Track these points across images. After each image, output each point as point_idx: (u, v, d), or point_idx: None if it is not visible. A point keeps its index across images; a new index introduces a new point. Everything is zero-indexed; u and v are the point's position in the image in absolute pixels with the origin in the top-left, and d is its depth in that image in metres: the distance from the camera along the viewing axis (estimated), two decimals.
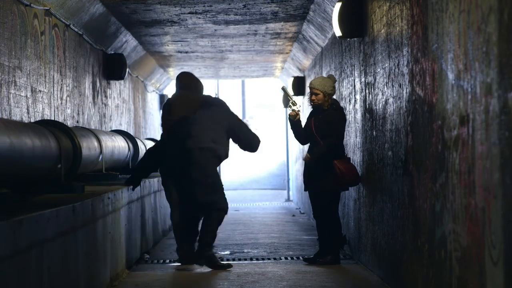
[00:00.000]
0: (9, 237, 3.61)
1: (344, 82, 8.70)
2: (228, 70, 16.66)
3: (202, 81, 7.84)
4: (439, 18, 4.45)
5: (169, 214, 7.80)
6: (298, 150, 15.07)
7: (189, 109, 7.35)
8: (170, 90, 19.07)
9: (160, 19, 10.40)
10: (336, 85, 9.24)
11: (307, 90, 12.80)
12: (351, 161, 7.76)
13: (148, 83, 15.71)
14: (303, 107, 14.11)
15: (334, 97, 7.76)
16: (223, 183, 7.51)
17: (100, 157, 6.94)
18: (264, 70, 16.75)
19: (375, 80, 6.75)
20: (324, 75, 10.57)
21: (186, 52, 13.70)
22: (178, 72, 16.37)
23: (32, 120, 6.96)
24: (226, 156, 7.40)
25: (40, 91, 7.38)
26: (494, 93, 3.46)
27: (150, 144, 11.02)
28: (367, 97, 7.16)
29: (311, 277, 6.87)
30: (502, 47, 3.34)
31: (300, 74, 14.33)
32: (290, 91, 13.03)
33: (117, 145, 8.03)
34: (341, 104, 8.79)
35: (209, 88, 19.32)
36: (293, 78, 14.27)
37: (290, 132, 16.08)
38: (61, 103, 8.28)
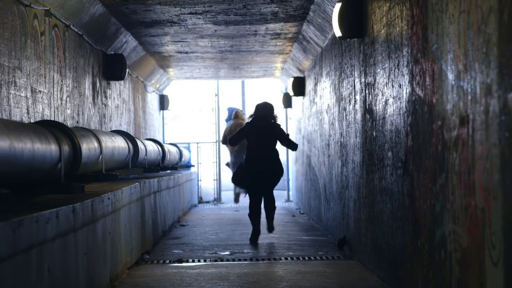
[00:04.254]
0: (9, 237, 3.61)
1: (344, 82, 8.69)
2: (228, 71, 16.65)
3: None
4: (439, 19, 4.45)
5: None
6: (297, 151, 15.07)
7: None
8: (170, 90, 19.05)
9: (160, 20, 10.40)
10: (337, 85, 9.26)
11: (308, 92, 12.84)
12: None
13: (148, 83, 15.71)
14: (303, 107, 14.11)
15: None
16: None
17: (100, 158, 6.94)
18: (264, 71, 16.74)
19: (375, 80, 6.75)
20: (324, 75, 10.58)
21: (186, 53, 13.70)
22: (178, 72, 16.45)
23: (32, 121, 6.96)
24: None
25: (40, 91, 7.38)
26: (494, 94, 3.46)
27: (150, 144, 11.02)
28: (367, 98, 7.16)
29: (311, 277, 6.88)
30: (502, 47, 3.34)
31: (300, 75, 14.32)
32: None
33: (117, 146, 8.02)
34: (341, 105, 8.83)
35: (209, 88, 19.27)
36: (293, 79, 14.27)
37: (290, 132, 16.08)
38: (61, 103, 8.28)
